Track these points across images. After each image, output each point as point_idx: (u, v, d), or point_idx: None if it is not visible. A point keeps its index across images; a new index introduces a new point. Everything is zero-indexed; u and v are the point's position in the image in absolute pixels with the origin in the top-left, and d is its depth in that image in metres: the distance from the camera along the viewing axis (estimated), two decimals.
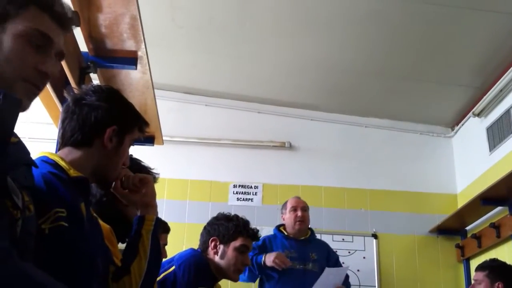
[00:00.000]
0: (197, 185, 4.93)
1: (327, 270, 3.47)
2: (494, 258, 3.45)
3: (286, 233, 3.78)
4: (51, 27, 1.11)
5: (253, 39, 4.36)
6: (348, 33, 4.15)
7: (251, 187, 4.94)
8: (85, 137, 1.45)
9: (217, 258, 2.49)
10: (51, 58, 1.13)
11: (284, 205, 3.90)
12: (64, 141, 1.47)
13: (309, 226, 3.90)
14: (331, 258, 3.82)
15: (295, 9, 3.97)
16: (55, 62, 1.15)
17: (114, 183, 1.60)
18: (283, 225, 3.88)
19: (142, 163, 1.82)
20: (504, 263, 3.38)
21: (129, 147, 1.54)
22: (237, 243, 2.51)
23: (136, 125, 1.55)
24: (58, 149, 1.49)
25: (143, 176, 1.66)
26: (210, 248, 2.51)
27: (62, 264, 1.20)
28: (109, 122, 1.46)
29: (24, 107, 1.06)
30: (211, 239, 2.51)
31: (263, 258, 3.49)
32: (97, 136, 1.46)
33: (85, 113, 1.46)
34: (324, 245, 3.91)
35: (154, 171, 1.82)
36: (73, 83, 2.44)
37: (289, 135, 5.16)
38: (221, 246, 2.50)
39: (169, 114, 4.83)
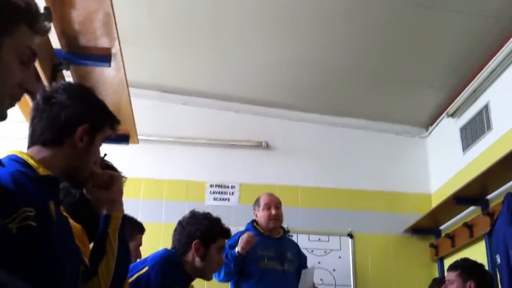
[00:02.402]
0: (174, 185, 4.89)
1: (303, 272, 3.46)
2: (465, 258, 3.49)
3: (261, 230, 3.66)
4: (35, 41, 1.13)
5: (230, 37, 4.35)
6: (325, 32, 4.16)
7: (228, 186, 4.92)
8: (55, 137, 1.42)
9: (197, 260, 2.45)
10: (31, 71, 1.14)
11: (257, 202, 3.75)
12: (33, 140, 1.44)
13: (283, 224, 3.86)
14: (302, 258, 3.79)
15: (273, 8, 3.97)
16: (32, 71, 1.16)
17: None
18: (256, 221, 3.75)
19: (110, 164, 1.80)
20: (475, 262, 3.42)
21: (100, 145, 1.52)
22: (217, 244, 2.50)
23: (107, 123, 1.52)
24: (28, 147, 1.46)
25: (112, 173, 1.65)
26: (192, 251, 2.46)
27: (30, 265, 1.17)
28: (80, 121, 1.44)
29: (4, 118, 1.10)
30: (194, 242, 2.46)
31: (236, 249, 3.37)
32: (67, 135, 1.43)
33: (55, 112, 1.43)
34: (296, 245, 3.87)
35: (122, 173, 1.79)
36: (45, 80, 2.40)
37: (266, 135, 5.16)
38: (203, 248, 2.47)
39: (144, 113, 4.77)
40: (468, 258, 3.51)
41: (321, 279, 4.65)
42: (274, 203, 3.66)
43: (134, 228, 3.09)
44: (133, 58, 3.63)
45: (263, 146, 5.11)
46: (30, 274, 1.11)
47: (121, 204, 1.62)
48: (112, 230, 1.56)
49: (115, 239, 1.55)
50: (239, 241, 3.36)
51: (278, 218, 3.64)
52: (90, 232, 1.66)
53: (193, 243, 2.46)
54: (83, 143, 1.44)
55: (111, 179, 1.61)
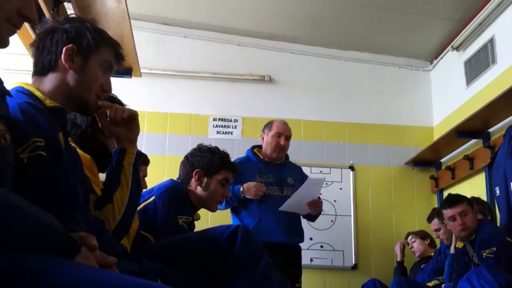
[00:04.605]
0: (177, 118, 4.92)
1: (309, 180, 3.39)
2: (452, 194, 3.57)
3: (261, 157, 3.51)
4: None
5: None
6: None
7: (231, 120, 4.95)
8: (46, 61, 1.44)
9: (199, 190, 2.53)
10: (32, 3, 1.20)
11: (269, 126, 3.55)
12: (33, 72, 1.47)
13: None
14: (304, 180, 3.60)
15: None
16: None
17: (100, 112, 1.60)
18: (257, 147, 3.60)
19: (115, 97, 1.81)
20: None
21: (101, 69, 1.50)
22: (220, 176, 2.55)
23: (101, 43, 1.51)
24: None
25: (133, 112, 1.67)
26: (193, 180, 2.54)
27: (42, 193, 1.22)
28: (66, 42, 1.45)
29: (5, 45, 1.14)
30: (195, 171, 2.53)
31: (240, 189, 3.28)
32: (56, 58, 1.45)
33: (44, 39, 1.46)
34: (298, 169, 3.70)
35: (127, 106, 1.81)
36: (46, 13, 2.37)
37: (269, 68, 5.12)
38: (205, 179, 2.53)
39: (147, 46, 4.74)
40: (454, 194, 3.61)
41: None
42: (285, 134, 3.51)
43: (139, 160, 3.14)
44: None
45: (266, 79, 5.09)
46: (42, 202, 1.15)
47: (136, 142, 1.67)
48: (127, 163, 1.62)
49: (129, 172, 1.61)
50: (250, 187, 3.29)
51: (284, 149, 3.51)
52: (98, 162, 1.70)
53: (194, 172, 2.52)
54: (75, 64, 1.45)
55: (131, 118, 1.64)
